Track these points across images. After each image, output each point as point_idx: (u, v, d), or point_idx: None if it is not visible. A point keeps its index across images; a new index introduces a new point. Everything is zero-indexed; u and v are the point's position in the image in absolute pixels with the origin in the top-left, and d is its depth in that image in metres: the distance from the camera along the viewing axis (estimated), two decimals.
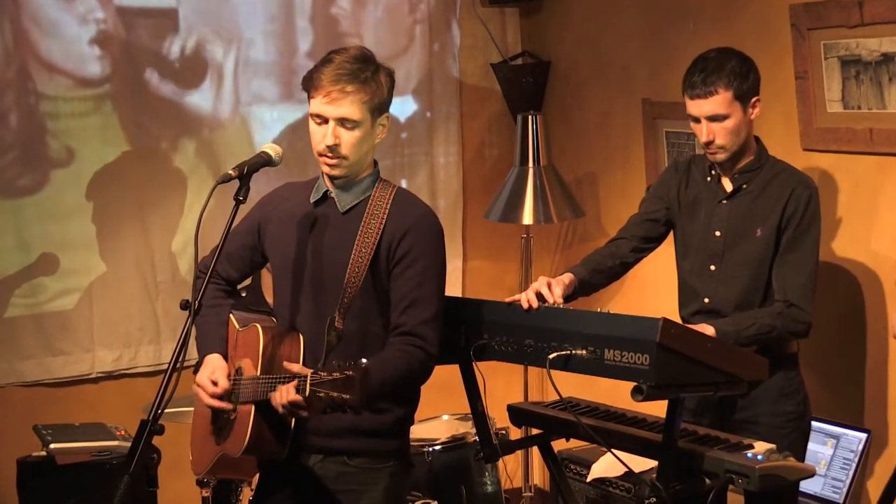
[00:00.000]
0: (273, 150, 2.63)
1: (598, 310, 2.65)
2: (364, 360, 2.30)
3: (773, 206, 3.04)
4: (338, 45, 4.34)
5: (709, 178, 3.15)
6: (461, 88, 4.70)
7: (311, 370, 2.37)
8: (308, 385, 2.32)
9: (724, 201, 3.11)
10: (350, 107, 2.55)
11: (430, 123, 4.65)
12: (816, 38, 3.43)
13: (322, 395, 2.28)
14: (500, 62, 4.70)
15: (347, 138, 2.57)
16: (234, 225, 2.59)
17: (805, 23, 3.45)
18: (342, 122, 2.56)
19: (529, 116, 4.28)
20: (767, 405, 3.03)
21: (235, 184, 2.55)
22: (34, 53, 4.00)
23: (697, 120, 3.04)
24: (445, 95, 4.65)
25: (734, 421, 3.03)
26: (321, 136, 2.57)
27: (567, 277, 3.02)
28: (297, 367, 2.47)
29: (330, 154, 2.58)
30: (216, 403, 2.59)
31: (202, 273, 2.63)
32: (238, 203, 2.53)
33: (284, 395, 2.42)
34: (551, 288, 2.87)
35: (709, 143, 3.04)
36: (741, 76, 3.00)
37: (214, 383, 2.59)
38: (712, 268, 3.12)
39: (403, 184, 4.61)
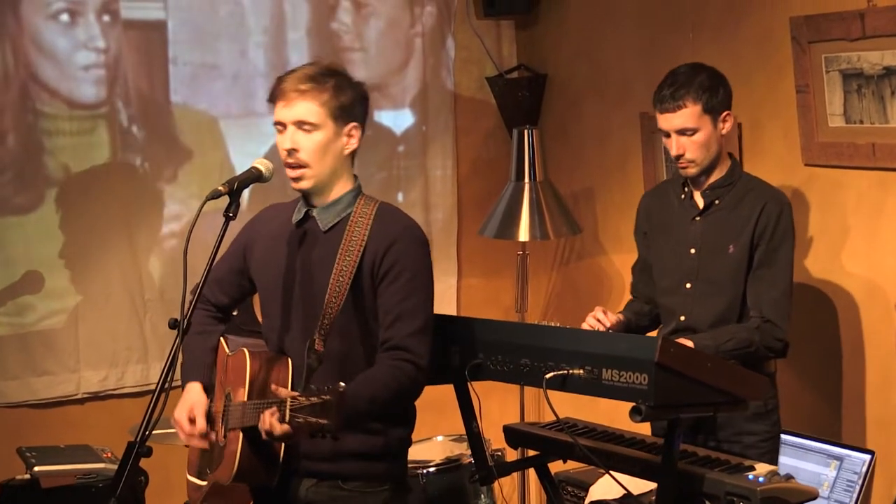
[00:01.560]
0: (264, 165, 2.60)
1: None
2: (342, 384, 2.27)
3: (746, 221, 3.08)
4: (339, 60, 4.39)
5: (682, 196, 3.20)
6: (456, 102, 4.69)
7: (292, 395, 2.33)
8: (287, 411, 2.29)
9: (698, 218, 3.16)
10: (307, 107, 2.52)
11: (426, 137, 4.66)
12: (817, 51, 3.42)
13: (301, 420, 2.27)
14: (496, 75, 4.70)
15: (306, 143, 2.53)
16: (223, 242, 2.56)
17: (806, 36, 3.45)
18: (300, 124, 2.53)
19: (525, 131, 4.27)
20: (743, 425, 3.05)
21: (226, 200, 2.52)
22: (32, 74, 4.01)
23: (668, 134, 3.10)
24: (440, 109, 4.65)
25: (707, 441, 3.04)
26: (281, 144, 2.55)
27: (615, 316, 3.16)
28: (283, 392, 2.43)
29: (291, 161, 2.54)
30: (195, 443, 2.57)
31: (195, 299, 2.60)
32: (228, 220, 2.51)
33: (265, 421, 2.39)
34: (606, 314, 3.07)
35: (679, 157, 3.09)
36: (710, 90, 3.06)
37: (192, 421, 2.56)
38: (688, 286, 3.15)
39: (399, 197, 4.60)
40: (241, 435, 2.51)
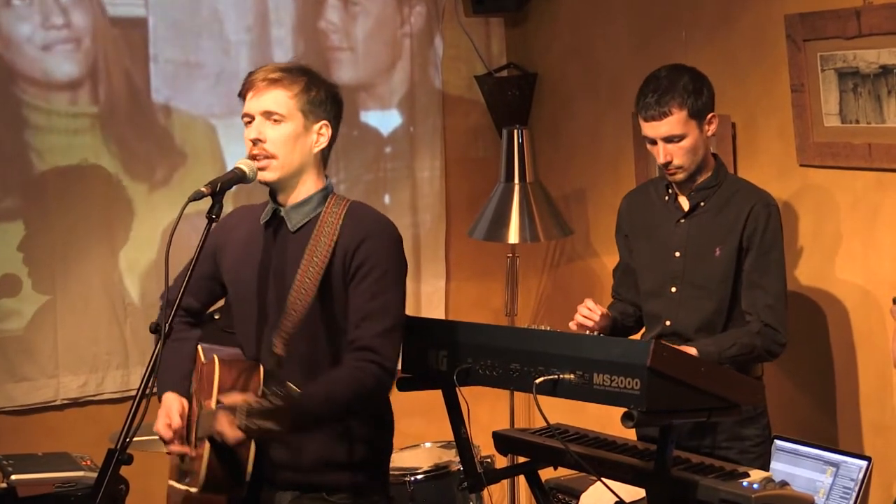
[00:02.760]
0: (247, 165, 2.56)
1: (587, 332, 2.58)
2: (295, 388, 2.27)
3: (733, 224, 3.06)
4: (325, 59, 4.36)
5: (666, 198, 3.18)
6: (444, 101, 4.67)
7: (246, 401, 2.32)
8: (244, 416, 2.29)
9: (682, 220, 3.13)
10: (274, 97, 2.50)
11: (413, 138, 4.63)
12: (813, 49, 3.41)
13: (253, 426, 2.28)
14: (485, 74, 4.67)
15: (272, 134, 2.51)
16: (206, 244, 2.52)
17: (801, 34, 3.43)
18: (267, 115, 2.51)
19: (515, 131, 4.24)
20: (735, 430, 3.04)
21: (208, 201, 2.47)
22: (17, 72, 3.98)
23: (654, 142, 3.08)
24: (428, 108, 4.63)
25: (697, 447, 3.03)
26: (247, 134, 2.53)
27: (603, 310, 3.13)
28: (237, 398, 2.39)
29: (256, 152, 2.51)
30: (174, 449, 2.53)
31: (170, 301, 2.55)
32: (211, 221, 2.47)
33: (221, 423, 2.37)
34: (596, 305, 3.06)
35: (667, 165, 3.06)
36: (694, 93, 3.03)
37: (170, 426, 2.53)
38: (673, 289, 3.13)
39: (386, 199, 4.58)
40: (208, 446, 2.48)
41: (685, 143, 3.03)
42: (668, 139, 3.03)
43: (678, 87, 3.01)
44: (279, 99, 2.50)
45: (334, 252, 2.51)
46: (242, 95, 2.56)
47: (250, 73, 2.57)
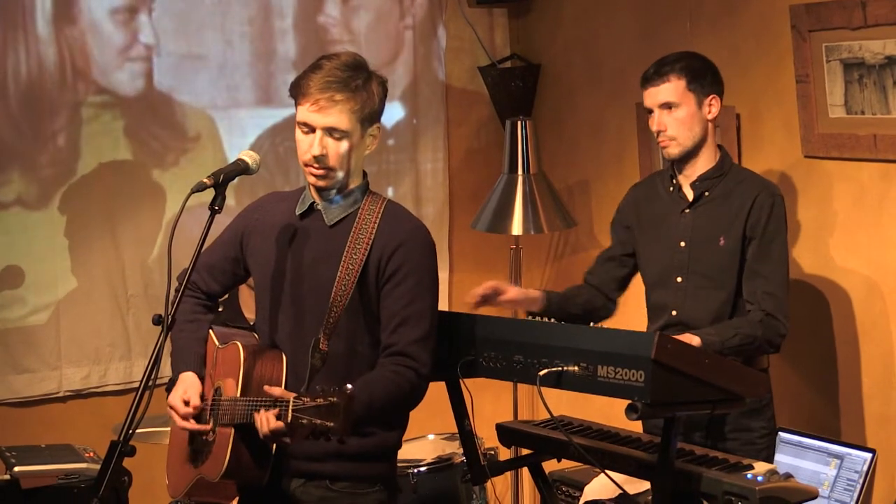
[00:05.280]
0: (250, 157, 2.57)
1: (591, 324, 2.64)
2: (349, 386, 2.24)
3: (736, 214, 3.07)
4: (327, 53, 4.33)
5: (671, 189, 3.17)
6: (447, 92, 4.65)
7: (294, 395, 2.30)
8: (290, 411, 2.26)
9: (687, 210, 3.13)
10: (339, 116, 2.49)
11: (416, 129, 4.62)
12: (818, 40, 3.40)
13: (305, 421, 2.24)
14: (488, 65, 4.65)
15: (335, 149, 2.51)
16: (209, 235, 2.51)
17: (806, 24, 3.42)
18: (330, 131, 2.51)
19: (519, 122, 4.23)
20: (740, 422, 3.04)
21: (211, 192, 2.48)
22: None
23: (651, 112, 3.10)
24: (431, 100, 4.62)
25: (701, 439, 3.03)
26: (307, 146, 2.51)
27: (535, 292, 3.14)
28: (277, 391, 2.39)
29: (317, 165, 2.52)
30: (190, 425, 2.53)
31: (180, 287, 2.56)
32: (213, 213, 2.47)
33: (265, 422, 2.35)
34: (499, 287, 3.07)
35: (659, 133, 3.08)
36: (696, 70, 3.08)
37: (186, 403, 2.52)
38: (679, 279, 3.13)
39: (389, 192, 4.57)
40: (232, 432, 2.46)
41: (680, 113, 3.05)
42: (664, 106, 3.05)
43: (682, 61, 3.08)
44: (342, 118, 2.49)
45: (371, 251, 2.52)
46: (296, 98, 2.53)
47: (308, 78, 2.50)
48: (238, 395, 2.49)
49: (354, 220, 2.55)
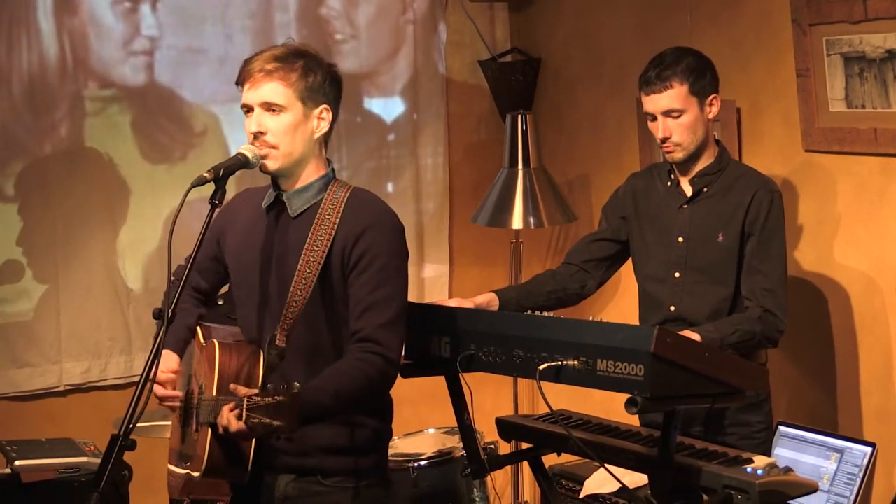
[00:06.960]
0: (250, 151, 2.54)
1: (591, 318, 2.62)
2: (297, 384, 2.23)
3: (735, 210, 3.06)
4: (328, 47, 4.34)
5: (669, 184, 3.16)
6: (447, 86, 4.64)
7: (251, 394, 2.30)
8: (244, 410, 2.27)
9: (685, 206, 3.13)
10: (273, 89, 2.47)
11: (416, 125, 4.61)
12: (818, 33, 3.39)
13: (256, 420, 2.25)
14: (489, 59, 4.64)
15: (273, 124, 2.48)
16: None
17: (806, 18, 3.42)
18: (267, 106, 2.48)
19: (519, 116, 4.23)
20: (738, 416, 3.05)
21: (211, 187, 2.47)
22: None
23: (654, 118, 3.08)
24: (432, 94, 4.60)
25: (705, 434, 3.03)
26: (248, 126, 2.51)
27: (484, 298, 3.07)
28: (243, 391, 2.38)
29: (258, 145, 2.50)
30: (163, 392, 2.54)
31: (176, 281, 2.56)
32: (214, 207, 2.45)
33: (223, 417, 2.35)
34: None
35: (664, 140, 3.06)
36: (697, 71, 3.05)
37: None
38: (677, 275, 3.12)
39: (389, 187, 4.56)
40: (209, 431, 2.47)
41: (684, 119, 3.03)
42: (668, 113, 3.03)
43: (681, 64, 3.03)
44: (277, 90, 2.47)
45: (334, 240, 2.50)
46: (240, 84, 2.54)
47: (246, 62, 2.53)
48: (214, 393, 2.49)
49: (318, 210, 2.52)
